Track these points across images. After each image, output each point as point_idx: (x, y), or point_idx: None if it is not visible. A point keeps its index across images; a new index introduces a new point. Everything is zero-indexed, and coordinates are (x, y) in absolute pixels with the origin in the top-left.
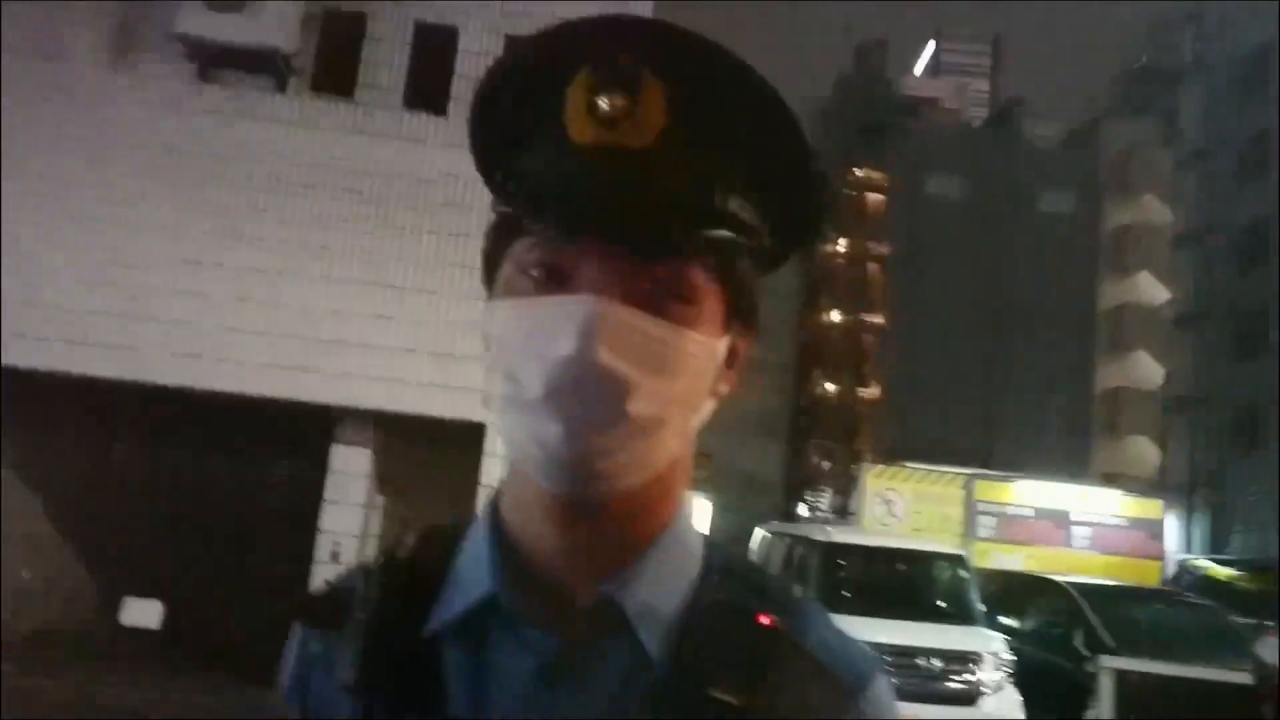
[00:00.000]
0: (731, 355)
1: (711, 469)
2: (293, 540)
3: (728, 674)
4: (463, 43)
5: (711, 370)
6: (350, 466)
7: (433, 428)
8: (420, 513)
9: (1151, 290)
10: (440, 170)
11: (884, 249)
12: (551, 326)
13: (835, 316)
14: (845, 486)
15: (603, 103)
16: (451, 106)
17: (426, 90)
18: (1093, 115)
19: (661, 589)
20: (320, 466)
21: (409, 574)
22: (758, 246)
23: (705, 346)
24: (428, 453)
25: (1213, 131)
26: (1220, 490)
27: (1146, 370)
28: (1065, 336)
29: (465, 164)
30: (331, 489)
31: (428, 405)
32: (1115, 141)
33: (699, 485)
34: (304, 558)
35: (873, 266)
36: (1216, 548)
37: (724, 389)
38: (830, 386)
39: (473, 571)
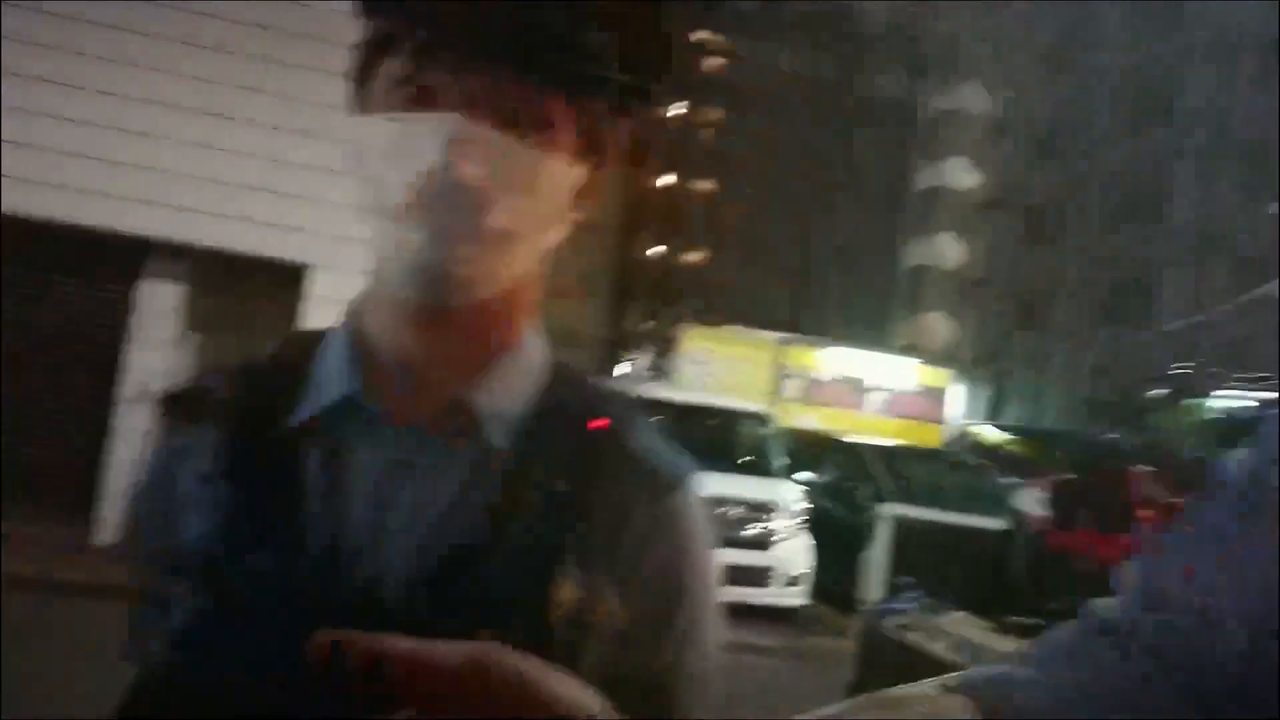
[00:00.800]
0: (586, 186)
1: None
2: (97, 375)
3: (562, 467)
4: None
5: (564, 195)
6: (158, 302)
7: (250, 266)
8: (234, 354)
9: (962, 175)
10: None
11: (718, 115)
12: (418, 140)
13: (665, 180)
14: (664, 346)
15: None
16: None
17: None
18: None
19: (509, 393)
20: (126, 300)
21: (270, 374)
22: (615, 83)
23: (560, 170)
24: (244, 292)
25: (1032, 27)
26: (1003, 363)
27: (950, 251)
28: (879, 213)
29: None
30: (138, 325)
31: (245, 242)
32: (943, 29)
33: None
34: (106, 394)
35: (705, 131)
36: (995, 415)
37: (577, 216)
38: (656, 248)
39: (331, 374)
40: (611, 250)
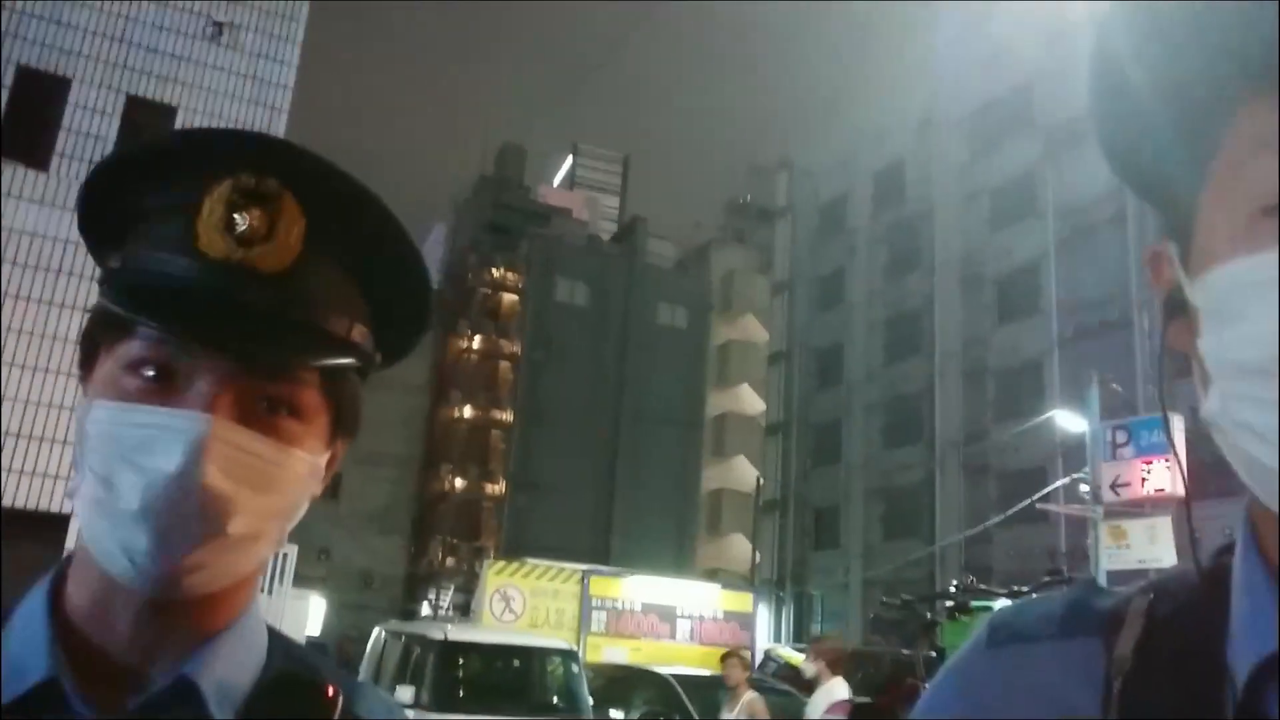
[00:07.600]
0: (330, 460)
1: (329, 566)
2: None
3: None
4: (75, 95)
5: (314, 482)
6: None
7: (10, 517)
8: None
9: (750, 401)
10: (36, 229)
11: (515, 347)
12: (158, 440)
13: (465, 412)
14: (468, 583)
15: (240, 220)
16: (56, 162)
17: (26, 141)
18: (704, 240)
19: (236, 666)
20: None
21: None
22: (369, 366)
23: (311, 464)
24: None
25: (798, 265)
26: (802, 583)
27: (744, 474)
28: (676, 441)
29: (66, 225)
30: None
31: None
32: (721, 266)
33: (315, 583)
34: None
35: (503, 364)
36: (799, 635)
37: (317, 491)
38: (457, 482)
39: (26, 655)
40: (411, 484)
